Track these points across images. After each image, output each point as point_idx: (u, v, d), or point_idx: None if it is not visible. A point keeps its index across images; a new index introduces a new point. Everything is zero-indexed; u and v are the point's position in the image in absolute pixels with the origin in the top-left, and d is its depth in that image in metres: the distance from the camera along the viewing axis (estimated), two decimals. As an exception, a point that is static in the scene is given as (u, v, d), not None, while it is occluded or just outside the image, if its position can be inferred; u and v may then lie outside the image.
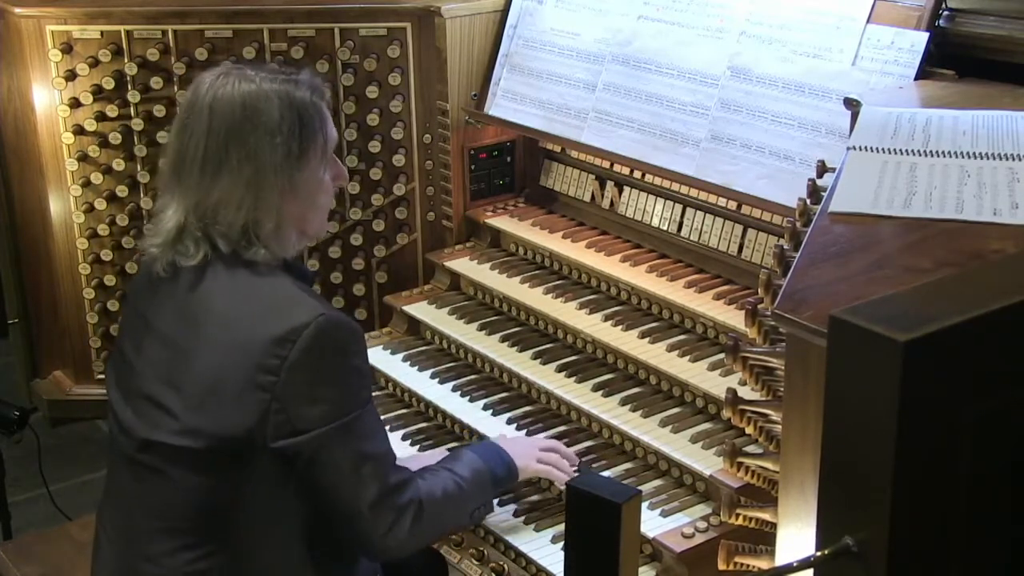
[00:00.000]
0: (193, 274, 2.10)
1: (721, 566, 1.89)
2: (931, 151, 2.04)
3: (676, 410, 2.62)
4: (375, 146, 3.37)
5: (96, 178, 3.46)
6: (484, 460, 2.37)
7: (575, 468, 2.54)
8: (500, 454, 2.42)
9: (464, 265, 3.25)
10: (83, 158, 3.45)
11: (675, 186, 3.01)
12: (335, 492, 2.10)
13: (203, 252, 2.09)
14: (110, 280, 3.54)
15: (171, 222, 2.10)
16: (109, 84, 3.38)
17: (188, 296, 2.11)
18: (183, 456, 2.07)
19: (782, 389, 1.74)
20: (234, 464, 2.07)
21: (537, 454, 2.50)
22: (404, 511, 2.15)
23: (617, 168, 3.17)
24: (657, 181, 3.06)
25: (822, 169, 2.32)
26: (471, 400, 2.84)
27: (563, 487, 2.49)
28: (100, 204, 3.48)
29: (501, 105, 3.34)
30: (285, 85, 2.11)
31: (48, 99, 3.42)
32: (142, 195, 3.48)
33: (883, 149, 2.06)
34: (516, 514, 2.51)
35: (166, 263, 2.12)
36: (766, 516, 1.91)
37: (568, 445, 2.60)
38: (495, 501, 2.45)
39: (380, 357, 3.05)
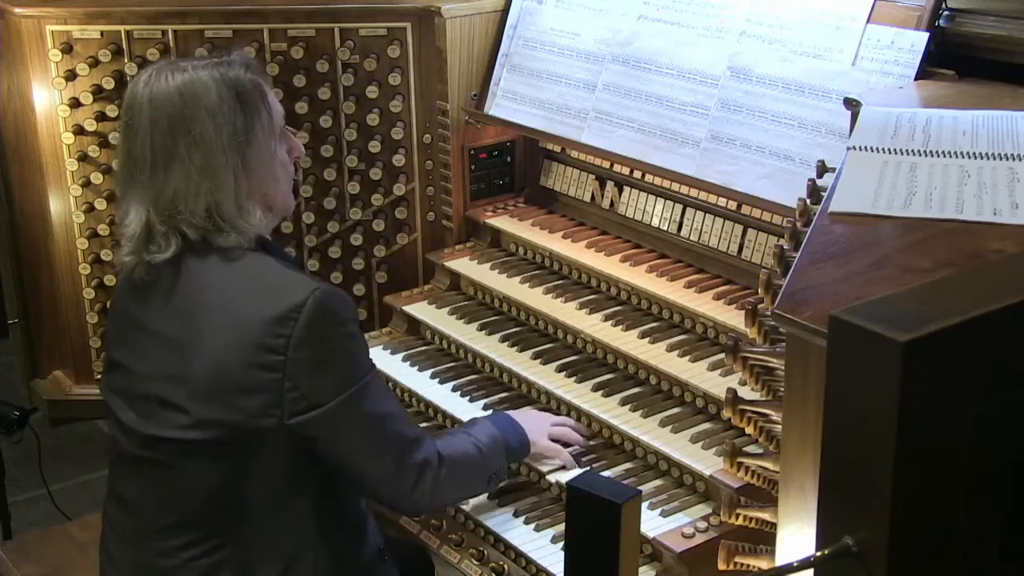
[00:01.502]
0: (171, 272, 2.12)
1: (721, 566, 1.89)
2: (931, 151, 2.04)
3: (676, 410, 2.62)
4: (375, 146, 3.37)
5: (96, 178, 3.45)
6: (499, 428, 2.43)
7: (582, 449, 2.59)
8: (515, 426, 2.48)
9: (464, 265, 3.25)
10: (83, 158, 3.45)
11: (675, 186, 3.01)
12: (359, 459, 2.16)
13: (175, 244, 2.11)
14: (110, 280, 3.54)
15: (135, 225, 2.12)
16: (109, 84, 3.38)
17: (173, 294, 2.13)
18: (194, 448, 2.09)
19: (782, 389, 1.74)
20: (246, 449, 2.09)
21: (549, 430, 2.55)
22: (426, 466, 2.22)
23: (617, 168, 3.16)
24: (657, 181, 3.06)
25: (822, 169, 2.32)
26: (471, 400, 2.84)
27: (571, 467, 2.54)
28: (100, 204, 3.48)
29: (501, 105, 3.34)
30: (218, 68, 2.14)
31: (48, 99, 3.42)
32: (142, 195, 3.47)
33: (883, 149, 2.06)
34: (516, 514, 2.51)
35: (144, 268, 2.14)
36: (766, 516, 1.91)
37: (568, 445, 2.61)
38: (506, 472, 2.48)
39: (380, 357, 3.05)
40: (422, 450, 2.22)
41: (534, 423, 2.54)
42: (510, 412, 2.58)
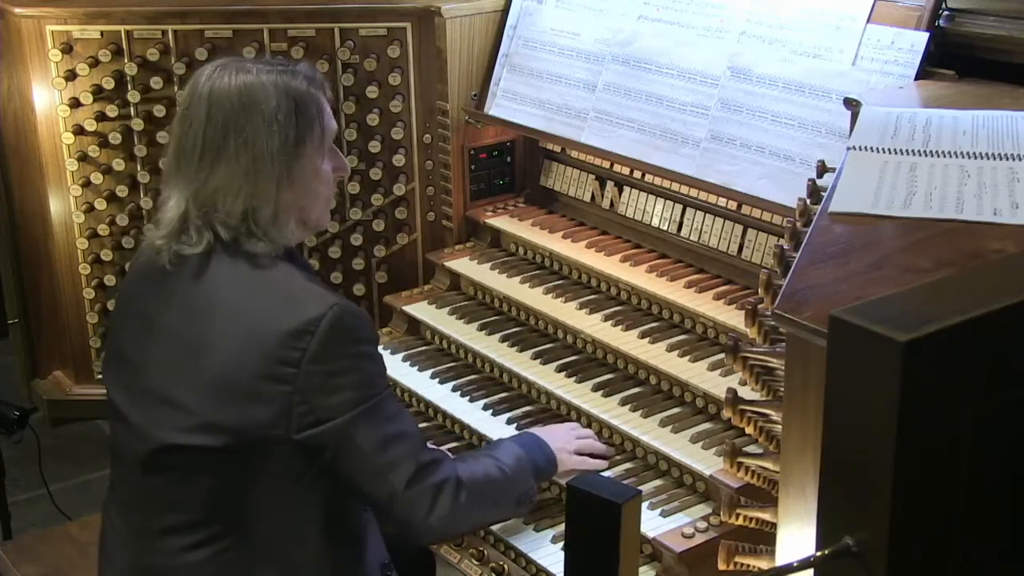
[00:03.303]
0: (197, 267, 2.12)
1: (721, 566, 1.89)
2: (931, 151, 2.04)
3: (676, 410, 2.62)
4: (375, 146, 3.37)
5: (96, 178, 3.46)
6: (525, 448, 2.38)
7: (608, 459, 2.57)
8: (540, 444, 2.43)
9: (464, 265, 3.25)
10: (83, 158, 3.45)
11: (675, 186, 3.01)
12: (369, 479, 2.11)
13: (206, 240, 2.10)
14: (110, 280, 3.54)
15: (173, 212, 2.12)
16: (109, 84, 3.38)
17: (193, 290, 2.12)
18: (200, 454, 2.08)
19: (782, 389, 1.74)
20: (251, 458, 2.08)
21: (575, 444, 2.52)
22: (442, 489, 2.15)
23: (617, 168, 3.16)
24: (657, 181, 3.06)
25: (822, 169, 2.32)
26: (471, 400, 2.84)
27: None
28: (100, 204, 3.48)
29: (501, 105, 3.34)
30: (282, 76, 2.14)
31: (48, 99, 3.42)
32: (142, 195, 3.47)
33: (883, 149, 2.06)
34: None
35: (172, 255, 2.13)
36: (766, 516, 1.91)
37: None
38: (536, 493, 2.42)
39: (380, 357, 3.05)
40: (438, 473, 2.15)
41: (560, 439, 2.49)
42: (534, 430, 2.53)
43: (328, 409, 2.06)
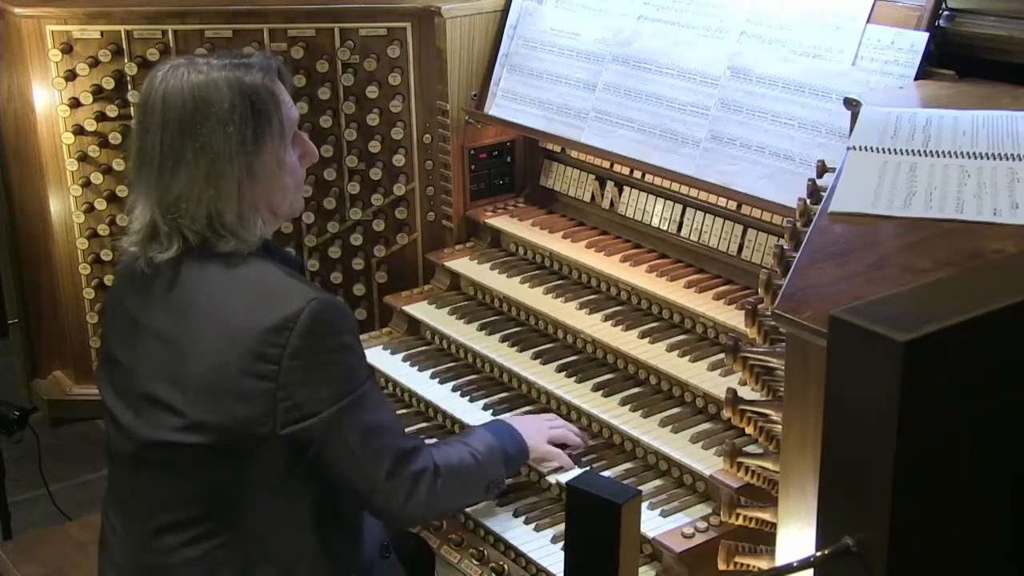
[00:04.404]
0: (171, 270, 2.12)
1: (721, 566, 1.89)
2: (931, 151, 2.04)
3: (676, 410, 2.62)
4: (375, 146, 3.37)
5: (96, 178, 3.46)
6: (496, 437, 2.41)
7: (581, 450, 2.58)
8: (512, 432, 2.46)
9: (464, 265, 3.25)
10: (83, 158, 3.45)
11: (675, 186, 3.01)
12: (351, 470, 2.13)
13: (176, 245, 2.10)
14: (110, 280, 3.54)
15: (140, 221, 2.12)
16: (109, 84, 3.38)
17: (172, 292, 2.12)
18: (189, 452, 2.08)
19: (782, 389, 1.74)
20: (241, 455, 2.08)
21: (548, 434, 2.54)
22: (420, 477, 2.19)
23: (617, 168, 3.16)
24: (657, 181, 3.06)
25: (822, 169, 2.32)
26: (471, 400, 2.84)
27: (569, 469, 2.53)
28: (100, 204, 3.48)
29: (501, 105, 3.34)
30: (235, 71, 2.10)
31: (48, 99, 3.43)
32: (142, 195, 3.48)
33: (883, 149, 2.06)
34: (516, 514, 2.51)
35: (146, 260, 2.13)
36: (766, 516, 1.91)
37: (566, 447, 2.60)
38: (506, 479, 2.46)
39: (380, 357, 3.05)
40: (417, 461, 2.19)
41: (531, 427, 2.52)
42: (506, 417, 2.56)
43: (313, 403, 2.06)
